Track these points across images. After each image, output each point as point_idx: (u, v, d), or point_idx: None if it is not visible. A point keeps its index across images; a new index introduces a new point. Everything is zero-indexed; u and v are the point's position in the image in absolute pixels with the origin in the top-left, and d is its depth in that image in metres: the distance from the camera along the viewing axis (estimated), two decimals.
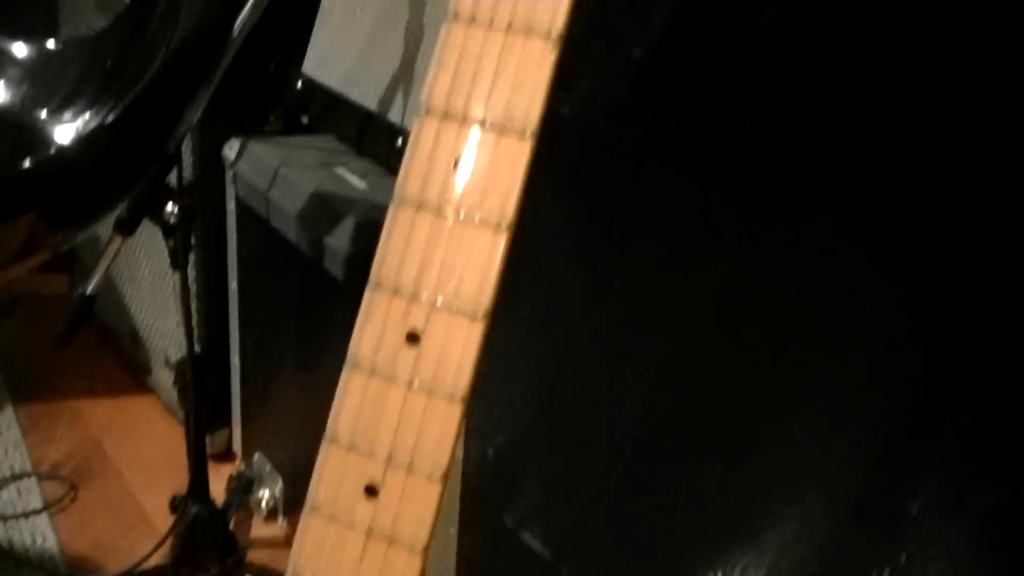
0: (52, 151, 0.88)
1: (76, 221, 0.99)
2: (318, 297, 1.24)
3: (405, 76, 1.26)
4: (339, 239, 1.15)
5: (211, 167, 1.46)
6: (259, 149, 1.32)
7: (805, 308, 0.67)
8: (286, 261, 1.28)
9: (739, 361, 0.71)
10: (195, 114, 1.05)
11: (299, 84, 1.42)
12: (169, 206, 1.34)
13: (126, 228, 1.25)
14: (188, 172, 1.45)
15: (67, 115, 0.92)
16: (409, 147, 0.57)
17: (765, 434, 0.71)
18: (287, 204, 1.24)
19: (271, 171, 1.27)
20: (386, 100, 1.28)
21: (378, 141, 1.28)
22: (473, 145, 0.55)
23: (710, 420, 0.75)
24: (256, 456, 1.52)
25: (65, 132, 0.91)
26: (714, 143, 0.67)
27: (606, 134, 0.71)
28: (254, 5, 1.28)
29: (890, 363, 0.63)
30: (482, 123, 0.55)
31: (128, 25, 1.07)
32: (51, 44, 1.05)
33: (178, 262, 1.36)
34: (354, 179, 1.25)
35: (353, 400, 0.57)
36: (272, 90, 1.47)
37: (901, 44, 0.61)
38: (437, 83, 0.56)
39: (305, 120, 1.43)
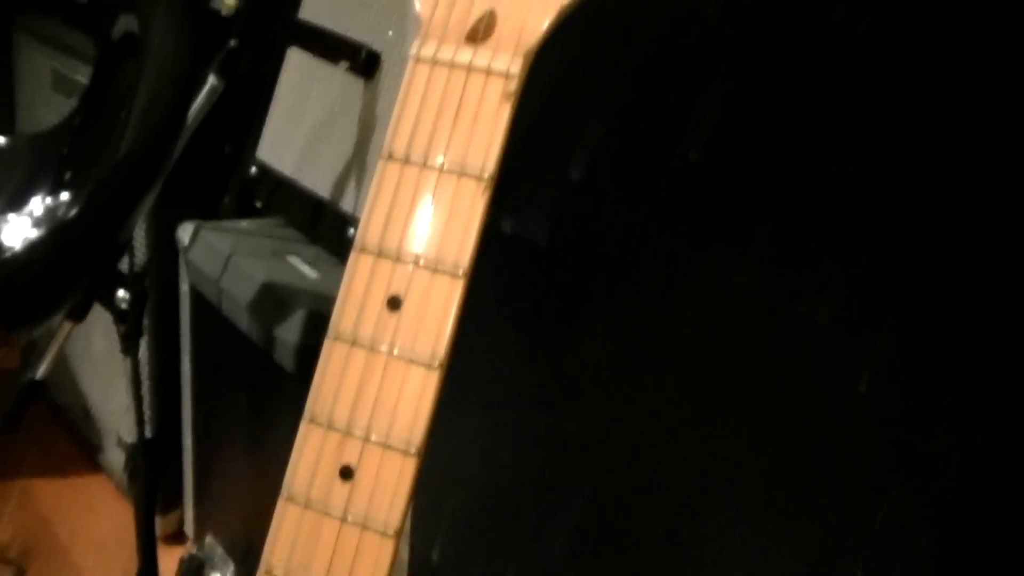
0: (2, 255, 0.88)
1: (26, 322, 0.99)
2: (269, 385, 1.24)
3: (357, 165, 1.28)
4: (289, 331, 1.16)
5: (164, 250, 1.46)
6: (211, 236, 1.33)
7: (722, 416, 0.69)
8: (237, 348, 1.28)
9: (674, 472, 0.72)
10: (148, 205, 1.06)
11: (253, 169, 1.43)
12: (121, 292, 1.35)
13: (77, 314, 1.25)
14: (141, 255, 1.45)
15: (16, 216, 0.92)
16: (344, 282, 0.58)
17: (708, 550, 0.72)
18: (238, 293, 1.24)
19: (223, 259, 1.28)
20: (338, 188, 1.30)
21: (329, 229, 1.29)
22: (407, 283, 0.56)
23: (652, 529, 0.76)
24: (208, 539, 1.51)
25: (14, 234, 0.91)
26: (649, 263, 0.68)
27: (545, 252, 0.72)
28: (208, 93, 1.29)
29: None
30: (416, 261, 0.56)
31: (80, 120, 1.08)
32: (1, 140, 1.05)
33: (129, 348, 1.36)
34: (305, 268, 1.26)
35: (288, 532, 0.58)
36: (226, 173, 1.48)
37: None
38: (372, 220, 0.57)
39: (259, 205, 1.44)
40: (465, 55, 0.56)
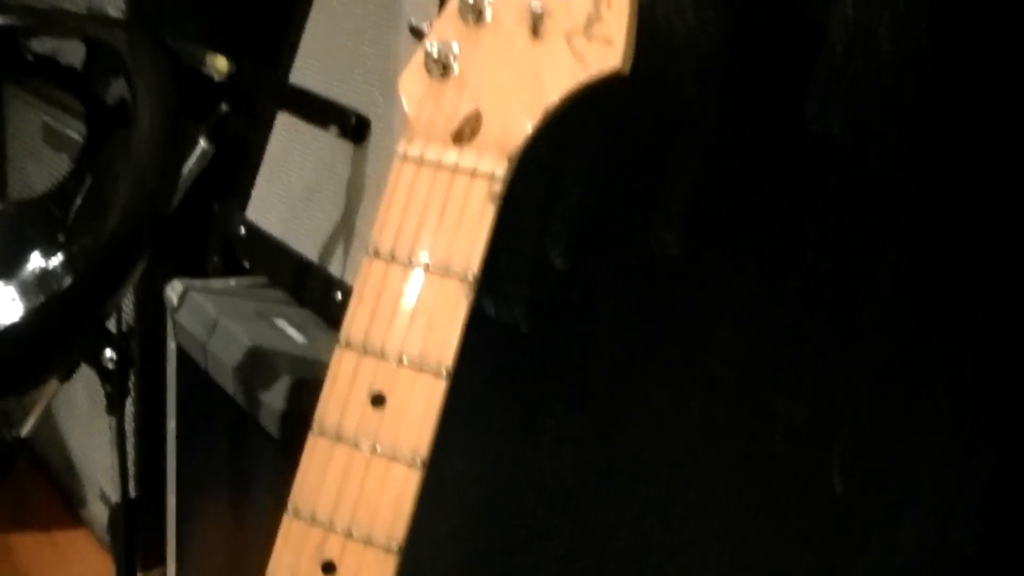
0: None
1: (15, 392, 0.99)
2: (253, 449, 1.24)
3: (345, 229, 1.29)
4: (275, 397, 1.16)
5: (152, 307, 1.46)
6: (199, 298, 1.33)
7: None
8: (223, 411, 1.28)
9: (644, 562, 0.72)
10: (138, 274, 1.06)
11: (241, 228, 1.44)
12: (108, 351, 1.35)
13: (64, 375, 1.25)
14: (128, 314, 1.46)
15: (5, 286, 0.93)
16: (328, 377, 0.58)
17: None
18: (225, 357, 1.24)
19: (211, 321, 1.28)
20: (325, 251, 1.30)
21: (317, 292, 1.30)
22: (391, 381, 0.57)
23: None
24: None
25: (3, 305, 0.92)
26: (629, 353, 0.69)
27: (529, 337, 0.73)
28: (199, 156, 1.30)
29: None
30: (399, 359, 0.57)
31: (72, 186, 1.09)
32: None
33: (114, 407, 1.36)
34: (292, 331, 1.26)
35: None
36: (215, 232, 1.49)
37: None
38: (356, 317, 0.58)
39: (246, 264, 1.44)
40: (451, 156, 0.57)
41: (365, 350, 0.57)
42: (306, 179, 1.35)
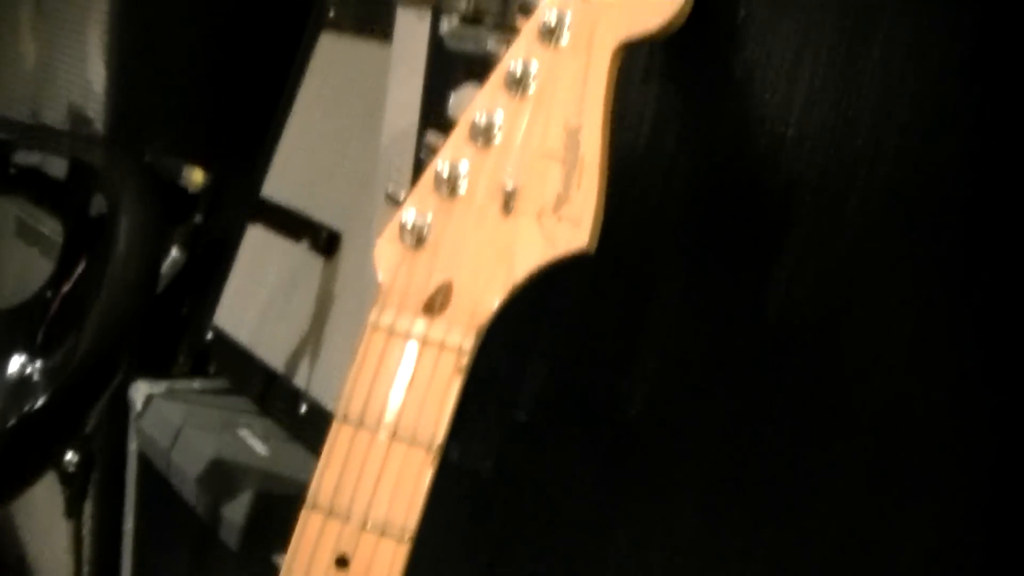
0: None
1: None
2: (211, 561, 1.24)
3: (312, 342, 1.30)
4: (235, 511, 1.17)
5: (115, 406, 1.47)
6: (163, 406, 1.34)
7: None
8: (183, 518, 1.28)
9: None
10: (114, 386, 1.08)
11: (210, 333, 1.45)
12: (69, 454, 1.35)
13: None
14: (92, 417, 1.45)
15: None
16: (294, 538, 0.60)
17: None
18: (188, 467, 1.25)
19: (174, 430, 1.29)
20: (292, 362, 1.32)
21: (282, 403, 1.31)
22: (355, 544, 0.58)
23: None
24: None
25: None
26: (584, 509, 0.71)
27: (490, 483, 0.75)
28: (171, 264, 1.32)
29: None
30: (364, 523, 0.58)
31: (49, 297, 1.10)
32: None
33: (73, 510, 1.36)
34: (256, 443, 1.27)
35: None
36: (183, 334, 1.50)
37: None
38: (324, 479, 0.60)
39: (212, 370, 1.45)
40: (421, 326, 0.60)
41: (331, 512, 0.59)
42: (277, 290, 1.37)
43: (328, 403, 1.24)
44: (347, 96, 1.33)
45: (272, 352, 1.35)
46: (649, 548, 0.70)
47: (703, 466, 0.70)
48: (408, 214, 0.62)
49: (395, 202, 0.64)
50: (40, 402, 0.93)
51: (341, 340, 1.26)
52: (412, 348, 0.59)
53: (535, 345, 0.76)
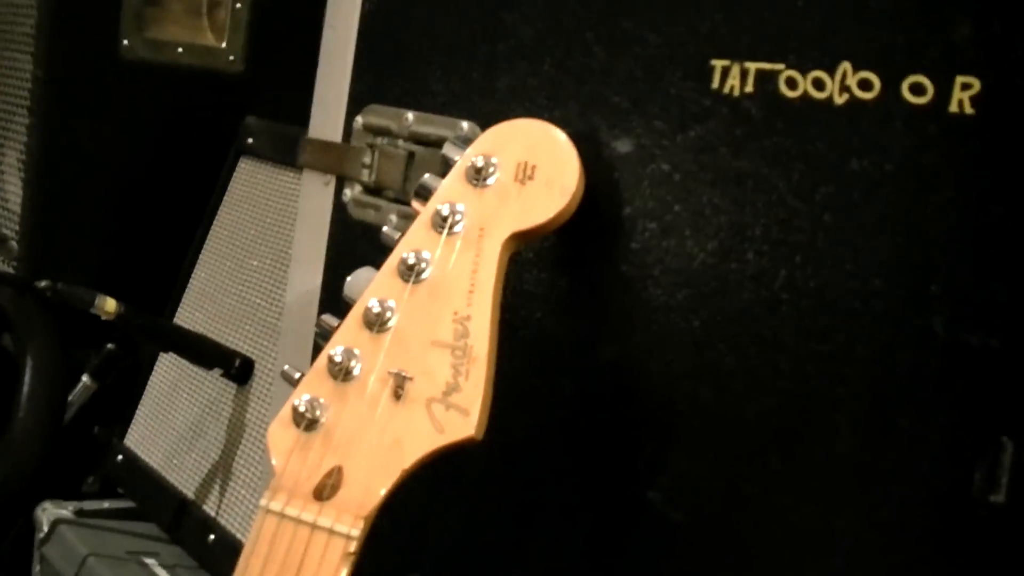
0: None
1: None
2: None
3: (223, 469, 1.30)
4: None
5: (20, 528, 1.44)
6: (68, 533, 1.32)
7: None
8: None
9: None
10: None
11: (119, 456, 1.44)
12: None
13: None
14: None
15: None
16: None
17: None
18: None
19: (78, 560, 1.27)
20: (203, 489, 1.32)
21: (191, 530, 1.30)
22: None
23: None
24: None
25: None
26: None
27: None
28: (81, 390, 1.32)
29: None
30: None
31: None
32: None
33: None
34: (162, 573, 1.26)
35: None
36: (92, 456, 1.49)
37: None
38: None
39: (121, 491, 1.44)
40: (310, 513, 0.61)
41: None
42: (189, 415, 1.37)
43: (238, 532, 1.24)
44: (263, 222, 1.35)
45: (183, 477, 1.34)
46: None
47: None
48: (301, 399, 0.64)
49: (291, 382, 0.66)
50: None
51: (252, 467, 1.27)
52: (302, 534, 0.61)
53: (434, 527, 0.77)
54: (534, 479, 0.74)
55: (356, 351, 0.64)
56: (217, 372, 1.31)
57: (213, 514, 1.29)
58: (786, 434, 0.64)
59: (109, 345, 1.28)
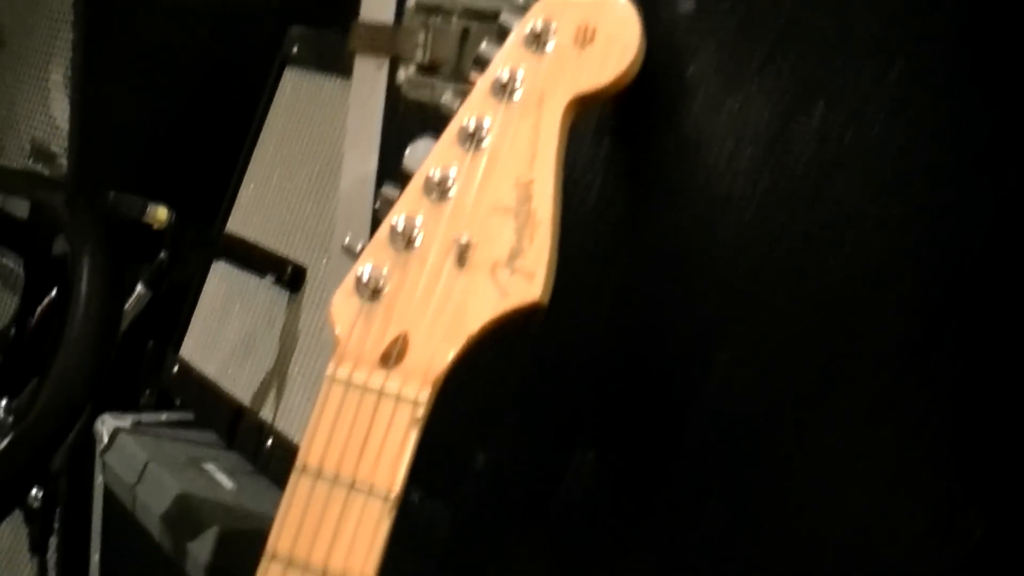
0: None
1: None
2: None
3: (278, 376, 1.31)
4: (201, 547, 1.17)
5: (81, 442, 1.46)
6: (129, 441, 1.34)
7: None
8: (149, 554, 1.28)
9: None
10: (76, 429, 1.08)
11: (175, 367, 1.45)
12: (34, 491, 1.35)
13: None
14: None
15: None
16: None
17: None
18: (153, 503, 1.25)
19: (140, 465, 1.29)
20: (258, 397, 1.32)
21: (248, 437, 1.32)
22: None
23: None
24: None
25: None
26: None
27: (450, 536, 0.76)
28: (136, 300, 1.33)
29: None
30: (323, 574, 0.59)
31: (12, 338, 1.10)
32: None
33: (37, 547, 1.36)
34: (222, 477, 1.27)
35: None
36: (148, 368, 1.50)
37: None
38: (283, 531, 0.61)
39: (178, 403, 1.46)
40: (377, 380, 0.61)
41: (290, 563, 0.60)
42: (242, 324, 1.38)
43: (294, 436, 1.24)
44: (310, 132, 1.34)
45: (238, 386, 1.35)
46: None
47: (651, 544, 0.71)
48: (364, 268, 0.63)
49: (352, 254, 0.65)
50: (3, 444, 0.93)
51: (307, 374, 1.27)
52: (369, 401, 0.60)
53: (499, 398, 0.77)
54: (594, 354, 0.74)
55: (418, 220, 0.63)
56: (269, 279, 1.32)
57: (270, 421, 1.30)
58: (847, 308, 0.63)
59: (162, 254, 1.28)
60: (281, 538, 0.60)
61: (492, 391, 0.77)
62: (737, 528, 0.67)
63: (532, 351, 0.75)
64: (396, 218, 0.63)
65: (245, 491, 1.25)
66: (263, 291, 1.35)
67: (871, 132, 0.61)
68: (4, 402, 1.01)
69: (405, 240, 0.63)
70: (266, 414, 1.30)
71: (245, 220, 1.40)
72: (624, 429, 0.71)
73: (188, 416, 1.45)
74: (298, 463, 0.61)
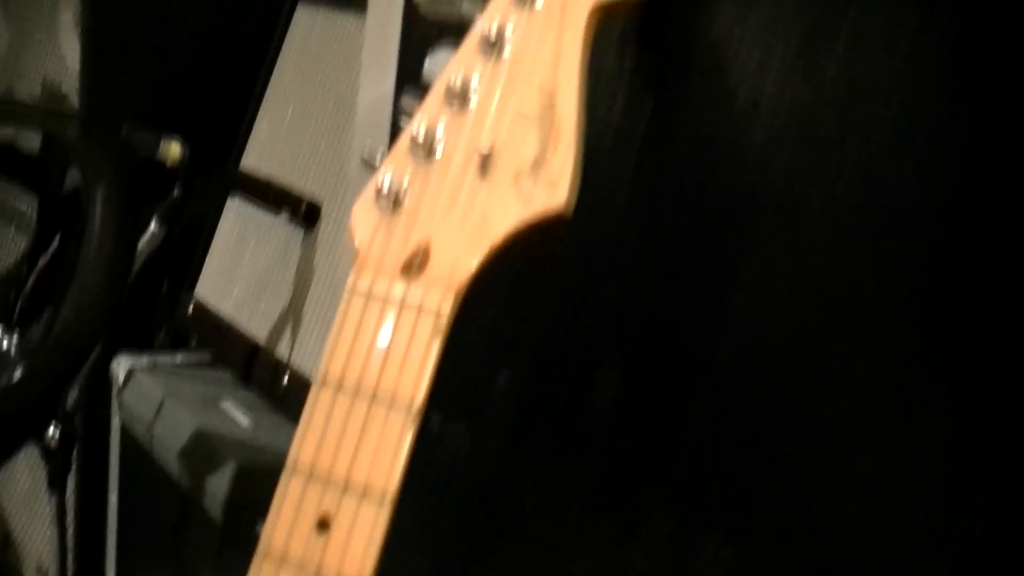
0: None
1: None
2: (195, 532, 1.24)
3: (293, 314, 1.30)
4: (219, 483, 1.17)
5: (98, 382, 1.46)
6: (145, 379, 1.34)
7: None
8: (166, 491, 1.28)
9: None
10: (89, 362, 1.07)
11: (191, 307, 1.44)
12: (51, 429, 1.35)
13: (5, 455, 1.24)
14: (73, 391, 1.45)
15: None
16: (275, 501, 0.60)
17: None
18: (170, 440, 1.25)
19: (156, 403, 1.29)
20: (274, 334, 1.32)
21: (264, 375, 1.31)
22: (336, 507, 0.58)
23: None
24: None
25: None
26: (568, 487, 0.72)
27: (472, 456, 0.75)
28: (150, 239, 1.32)
29: None
30: (345, 487, 0.58)
31: (25, 273, 1.10)
32: None
33: (56, 484, 1.36)
34: (239, 414, 1.27)
35: None
36: (163, 308, 1.49)
37: None
38: (305, 444, 0.60)
39: (194, 343, 1.45)
40: (398, 290, 0.60)
41: (312, 476, 0.59)
42: (257, 262, 1.37)
43: (310, 373, 1.24)
44: (324, 68, 1.33)
45: (254, 324, 1.34)
46: (623, 532, 0.71)
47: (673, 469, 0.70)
48: (384, 178, 0.62)
49: (371, 166, 0.64)
50: (16, 376, 0.93)
51: (322, 311, 1.26)
52: (391, 311, 0.59)
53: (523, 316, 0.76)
54: (619, 270, 0.72)
55: (439, 128, 0.62)
56: (284, 216, 1.30)
57: (285, 357, 1.29)
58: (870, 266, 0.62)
59: (175, 192, 1.27)
60: (302, 451, 0.59)
61: (514, 310, 0.76)
62: (760, 451, 0.66)
63: (555, 267, 0.74)
64: (416, 127, 0.62)
65: (262, 427, 1.25)
66: (278, 228, 1.33)
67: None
68: (16, 338, 1.00)
69: (426, 150, 0.62)
70: (282, 351, 1.30)
71: (259, 156, 1.38)
72: (650, 347, 0.70)
73: (204, 356, 1.44)
74: (319, 375, 0.60)
